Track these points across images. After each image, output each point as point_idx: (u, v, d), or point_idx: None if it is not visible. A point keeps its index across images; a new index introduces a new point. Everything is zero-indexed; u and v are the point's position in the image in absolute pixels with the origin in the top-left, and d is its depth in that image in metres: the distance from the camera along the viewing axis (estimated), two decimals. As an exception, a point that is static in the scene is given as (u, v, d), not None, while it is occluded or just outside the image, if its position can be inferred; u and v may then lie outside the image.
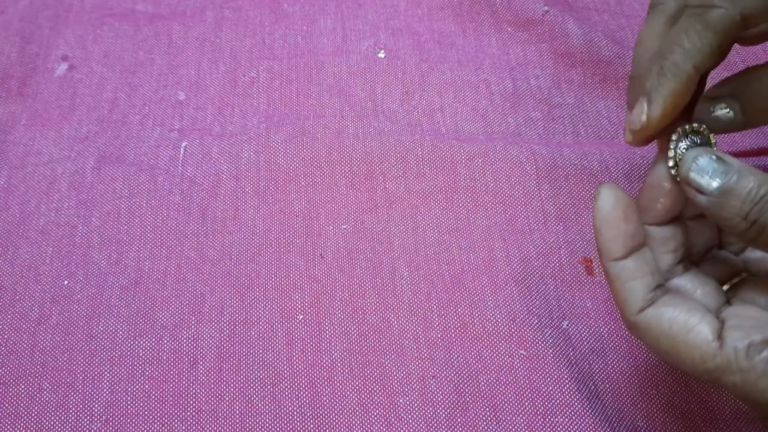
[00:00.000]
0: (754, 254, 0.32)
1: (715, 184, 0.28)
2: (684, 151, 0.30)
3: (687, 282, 0.31)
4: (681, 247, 0.31)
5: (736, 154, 0.44)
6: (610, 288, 0.30)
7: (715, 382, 0.27)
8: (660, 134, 0.31)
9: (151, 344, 0.37)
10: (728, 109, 0.31)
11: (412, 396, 0.36)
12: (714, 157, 0.28)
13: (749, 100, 0.31)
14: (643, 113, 0.30)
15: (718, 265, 0.32)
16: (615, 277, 0.29)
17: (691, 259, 0.32)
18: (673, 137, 0.30)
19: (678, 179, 0.30)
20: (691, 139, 0.30)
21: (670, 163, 0.30)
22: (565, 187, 0.43)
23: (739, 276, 0.32)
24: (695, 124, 0.30)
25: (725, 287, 0.32)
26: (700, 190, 0.28)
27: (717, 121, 0.31)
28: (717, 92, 0.31)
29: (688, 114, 0.31)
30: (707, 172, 0.28)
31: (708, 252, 0.33)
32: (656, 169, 0.31)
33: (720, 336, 0.27)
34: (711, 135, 0.30)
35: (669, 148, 0.30)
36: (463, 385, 0.36)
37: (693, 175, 0.28)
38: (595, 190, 0.42)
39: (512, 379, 0.36)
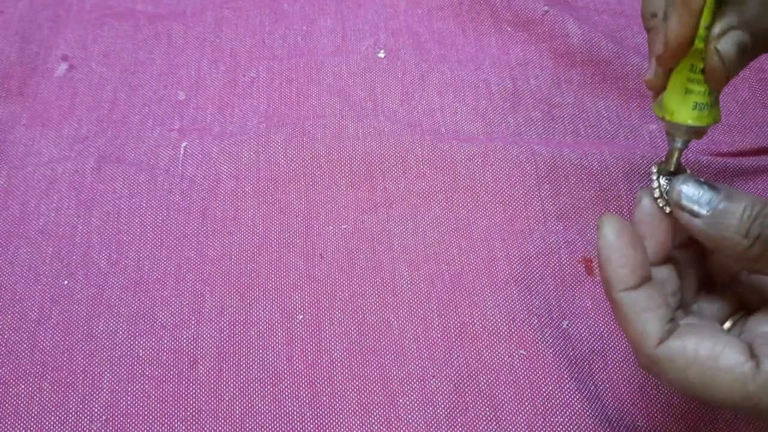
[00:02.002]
0: (750, 282, 0.31)
1: (707, 206, 0.27)
2: (666, 183, 0.30)
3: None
4: (678, 291, 0.31)
5: (736, 154, 0.44)
6: (620, 321, 0.28)
7: (755, 407, 0.25)
8: (681, 56, 0.29)
9: (151, 344, 0.37)
10: (739, 35, 0.28)
11: (412, 396, 0.36)
12: (702, 181, 0.28)
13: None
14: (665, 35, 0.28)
15: (714, 303, 0.32)
16: (628, 308, 0.28)
17: (686, 301, 0.32)
18: (654, 169, 0.30)
19: (666, 211, 0.29)
20: (669, 178, 0.30)
21: (656, 194, 0.30)
22: (565, 187, 0.43)
23: (736, 315, 0.31)
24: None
25: (729, 323, 0.31)
26: (694, 214, 0.28)
27: (728, 57, 0.28)
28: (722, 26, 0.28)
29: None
30: (698, 195, 0.28)
31: (700, 290, 0.32)
32: (641, 205, 0.30)
33: (753, 356, 0.26)
34: (688, 171, 0.31)
35: (652, 179, 0.30)
36: (463, 385, 0.36)
37: (685, 200, 0.28)
38: (595, 190, 0.42)
39: (512, 379, 0.36)
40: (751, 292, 0.31)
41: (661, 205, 0.30)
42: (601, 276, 0.29)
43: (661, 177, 0.30)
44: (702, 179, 0.28)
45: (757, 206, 0.26)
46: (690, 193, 0.28)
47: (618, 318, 0.29)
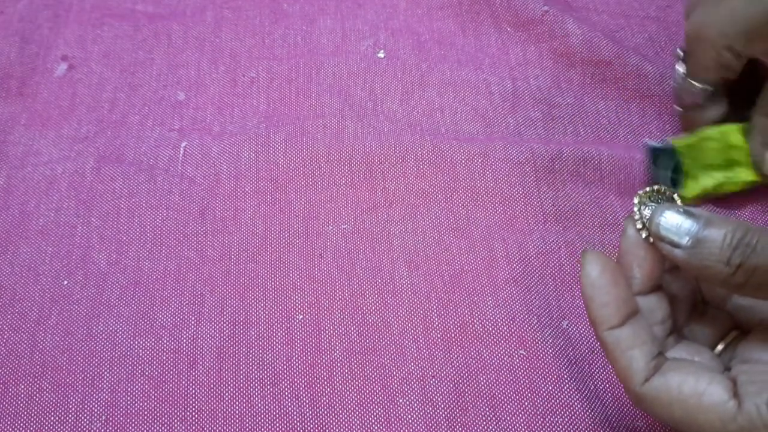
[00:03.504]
0: (741, 303, 0.31)
1: (687, 236, 0.27)
2: (650, 212, 0.30)
3: (682, 353, 0.30)
4: (668, 318, 0.31)
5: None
6: (608, 359, 0.29)
7: None
8: None
9: (150, 344, 0.37)
10: None
11: (412, 396, 0.36)
12: (681, 210, 0.28)
13: None
14: None
15: (706, 326, 0.31)
16: (614, 346, 0.28)
17: (678, 326, 0.31)
18: (635, 200, 0.30)
19: (650, 241, 0.29)
20: (655, 200, 0.30)
21: (638, 225, 0.30)
22: (564, 188, 0.43)
23: (730, 334, 0.31)
24: (656, 186, 0.31)
25: (720, 346, 0.31)
26: (674, 244, 0.27)
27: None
28: None
29: None
30: (677, 225, 0.27)
31: (692, 312, 0.32)
32: (627, 235, 0.30)
33: (736, 395, 0.26)
34: (674, 194, 0.31)
35: (633, 211, 0.30)
36: (463, 385, 0.36)
37: (664, 231, 0.28)
38: (594, 190, 0.42)
39: (512, 379, 0.36)
40: (743, 313, 0.31)
41: (644, 235, 0.30)
42: (587, 314, 0.29)
43: (642, 207, 0.30)
44: (682, 207, 0.28)
45: (738, 233, 0.26)
46: (669, 224, 0.28)
47: (606, 355, 0.29)
